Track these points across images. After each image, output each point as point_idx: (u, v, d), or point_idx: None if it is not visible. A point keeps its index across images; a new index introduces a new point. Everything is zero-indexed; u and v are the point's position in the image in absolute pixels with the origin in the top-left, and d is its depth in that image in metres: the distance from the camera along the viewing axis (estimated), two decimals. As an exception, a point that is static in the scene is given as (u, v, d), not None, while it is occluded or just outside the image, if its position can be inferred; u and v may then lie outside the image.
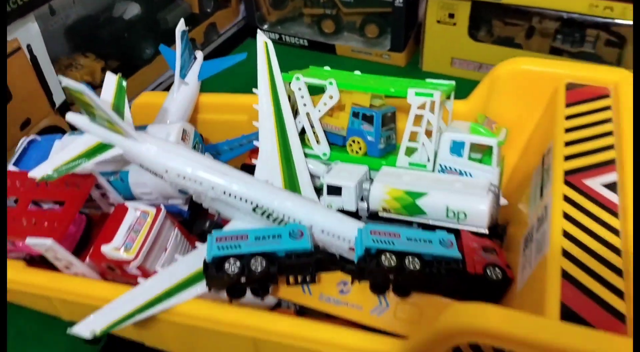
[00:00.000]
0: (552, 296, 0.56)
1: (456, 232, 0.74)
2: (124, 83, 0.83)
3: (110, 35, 1.70)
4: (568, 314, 0.54)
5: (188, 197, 0.86)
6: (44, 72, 1.42)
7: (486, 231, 0.74)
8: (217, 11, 1.98)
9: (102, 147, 0.76)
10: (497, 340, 0.53)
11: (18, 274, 0.81)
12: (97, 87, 1.62)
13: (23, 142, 0.93)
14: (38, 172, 0.72)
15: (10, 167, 0.89)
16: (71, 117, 0.79)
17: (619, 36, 1.58)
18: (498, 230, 0.77)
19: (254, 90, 0.88)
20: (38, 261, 0.85)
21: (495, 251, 0.73)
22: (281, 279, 0.73)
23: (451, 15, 1.69)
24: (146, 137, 0.76)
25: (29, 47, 1.36)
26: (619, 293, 0.55)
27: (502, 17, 1.73)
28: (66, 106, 1.50)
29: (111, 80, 0.83)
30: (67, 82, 0.70)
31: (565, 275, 0.57)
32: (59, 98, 1.47)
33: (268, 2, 1.98)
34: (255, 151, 0.92)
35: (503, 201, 0.82)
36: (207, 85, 1.10)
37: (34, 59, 1.38)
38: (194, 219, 0.89)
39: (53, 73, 1.44)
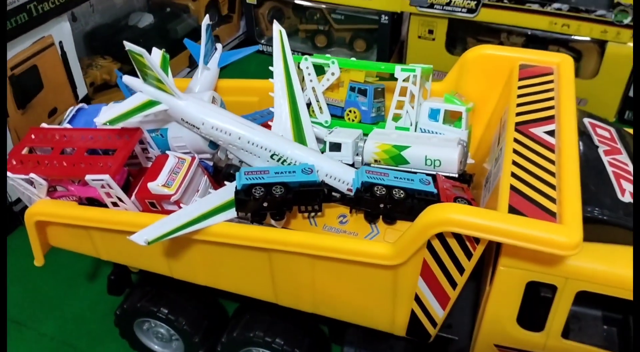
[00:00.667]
0: (502, 202, 0.75)
1: (432, 177, 0.93)
2: (167, 56, 1.02)
3: (126, 40, 1.88)
4: (514, 212, 0.73)
5: (214, 153, 1.04)
6: (71, 68, 1.60)
7: (456, 175, 0.93)
8: (220, 25, 2.20)
9: (151, 103, 0.94)
10: (461, 227, 0.71)
11: (71, 209, 0.97)
12: (113, 86, 1.80)
13: (72, 109, 1.11)
14: (101, 119, 0.90)
15: (66, 124, 1.07)
16: (127, 79, 0.98)
17: (575, 51, 1.82)
18: (466, 176, 0.96)
19: (270, 68, 1.08)
20: (86, 205, 1.01)
21: (463, 189, 0.92)
22: (293, 212, 0.92)
23: (430, 31, 1.91)
24: (188, 97, 0.96)
25: (60, 43, 1.54)
26: (552, 200, 0.74)
27: (475, 35, 1.96)
28: (87, 99, 1.68)
29: (157, 54, 1.02)
30: (130, 46, 0.88)
31: (513, 188, 0.76)
32: (82, 91, 1.65)
33: (266, 18, 2.20)
34: (265, 125, 1.12)
35: (470, 160, 1.02)
36: (223, 75, 1.30)
37: (64, 55, 1.56)
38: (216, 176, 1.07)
39: (79, 69, 1.63)
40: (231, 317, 1.15)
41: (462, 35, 1.96)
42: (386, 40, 1.98)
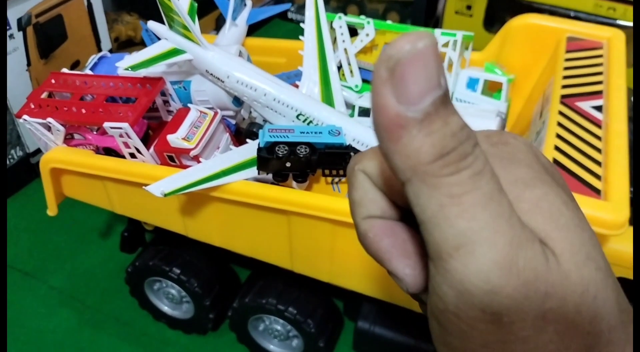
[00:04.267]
0: (544, 175, 0.69)
1: (466, 149, 0.88)
2: (195, 4, 0.98)
3: (152, -2, 1.85)
4: (556, 186, 0.68)
5: (238, 110, 1.00)
6: (96, 21, 1.57)
7: (492, 149, 0.88)
8: (251, -10, 2.14)
9: (175, 51, 0.90)
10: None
11: (88, 158, 0.94)
12: (137, 43, 1.77)
13: (95, 57, 1.07)
14: (124, 63, 0.86)
15: (87, 71, 1.03)
16: (152, 24, 0.93)
17: (619, 37, 1.73)
18: (501, 151, 0.91)
19: (301, 24, 1.03)
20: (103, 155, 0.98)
21: (498, 163, 0.87)
22: (316, 176, 0.87)
23: (468, 7, 1.84)
24: (214, 48, 0.91)
25: (87, -5, 1.51)
26: (597, 176, 0.69)
27: (515, 14, 1.88)
28: (112, 55, 1.64)
29: (184, 1, 0.97)
30: (157, -13, 0.84)
31: (556, 162, 0.71)
32: (106, 46, 1.61)
33: (297, -15, 2.14)
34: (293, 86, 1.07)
35: (506, 136, 0.96)
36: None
37: (89, 7, 1.53)
38: (238, 137, 1.03)
39: (104, 22, 1.59)
40: (244, 283, 1.12)
41: (501, 14, 1.88)
42: (421, 14, 1.91)
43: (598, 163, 0.71)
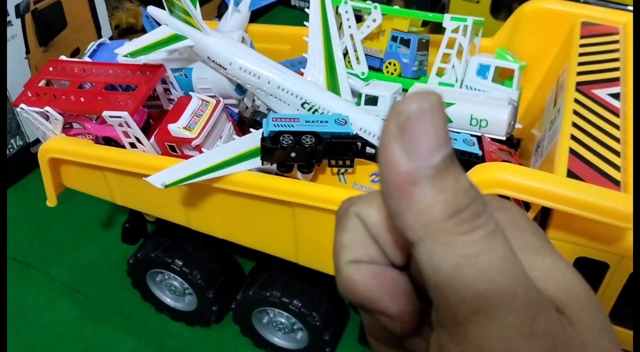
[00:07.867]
0: (560, 165, 0.67)
1: (477, 138, 0.85)
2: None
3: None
4: (573, 177, 0.65)
5: (241, 98, 0.97)
6: (96, 8, 1.53)
7: (504, 138, 0.85)
8: (253, -25, 2.09)
9: (176, 38, 0.87)
10: (511, 189, 0.64)
11: (87, 148, 0.92)
12: (138, 31, 1.73)
13: (94, 44, 1.04)
14: (123, 50, 0.84)
15: (86, 59, 1.00)
16: (152, 9, 0.90)
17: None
18: (513, 141, 0.88)
19: (305, 9, 0.99)
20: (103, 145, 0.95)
21: (510, 153, 0.84)
22: (322, 167, 0.85)
23: (475, -6, 1.80)
24: (216, 34, 0.88)
25: (87, -18, 1.47)
26: (616, 167, 0.66)
27: (522, 1, 1.84)
28: (112, 42, 1.61)
29: (185, -14, 0.94)
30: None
31: (573, 152, 0.68)
32: (106, 33, 1.58)
33: (301, -28, 2.10)
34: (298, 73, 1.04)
35: (517, 124, 0.94)
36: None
37: (90, -6, 1.50)
38: (241, 126, 1.01)
39: (104, 9, 1.56)
40: (248, 275, 1.10)
41: (508, 1, 1.85)
42: (427, 1, 1.87)
43: (617, 153, 0.68)
